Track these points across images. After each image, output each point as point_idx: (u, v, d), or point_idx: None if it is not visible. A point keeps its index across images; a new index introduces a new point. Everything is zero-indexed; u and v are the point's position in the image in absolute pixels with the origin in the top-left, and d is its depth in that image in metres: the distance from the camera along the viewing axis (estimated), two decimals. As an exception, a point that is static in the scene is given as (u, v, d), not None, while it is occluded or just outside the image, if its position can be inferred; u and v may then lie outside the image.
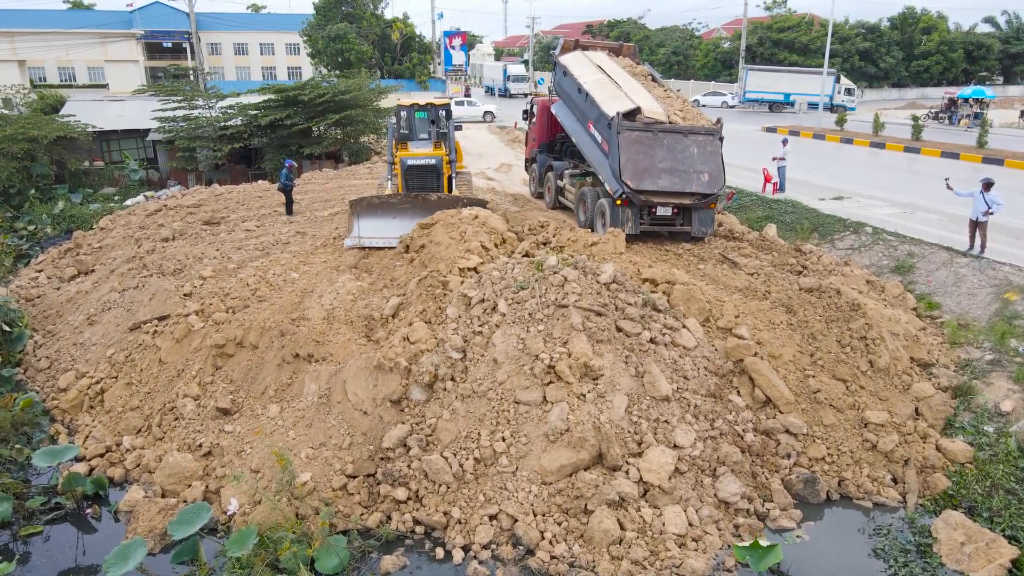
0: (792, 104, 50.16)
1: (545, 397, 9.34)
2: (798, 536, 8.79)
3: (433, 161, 16.68)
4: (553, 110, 19.69)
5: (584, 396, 9.33)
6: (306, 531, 8.38)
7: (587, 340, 9.72)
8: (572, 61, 18.70)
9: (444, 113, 18.01)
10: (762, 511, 9.06)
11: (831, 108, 49.08)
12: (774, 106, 50.79)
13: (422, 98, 18.86)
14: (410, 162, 16.61)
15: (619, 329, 10.32)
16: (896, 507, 9.34)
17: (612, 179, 15.31)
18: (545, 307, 10.18)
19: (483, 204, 15.52)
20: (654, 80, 18.51)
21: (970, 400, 10.85)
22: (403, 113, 18.06)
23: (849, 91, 50.71)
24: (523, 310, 10.24)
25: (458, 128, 18.33)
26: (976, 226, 14.72)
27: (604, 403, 9.24)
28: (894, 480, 9.71)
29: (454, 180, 17.28)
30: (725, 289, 13.09)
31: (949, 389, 11.10)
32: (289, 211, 19.75)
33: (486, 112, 46.58)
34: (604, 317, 10.16)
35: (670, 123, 15.26)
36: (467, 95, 53.07)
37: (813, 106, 48.34)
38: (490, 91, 70.67)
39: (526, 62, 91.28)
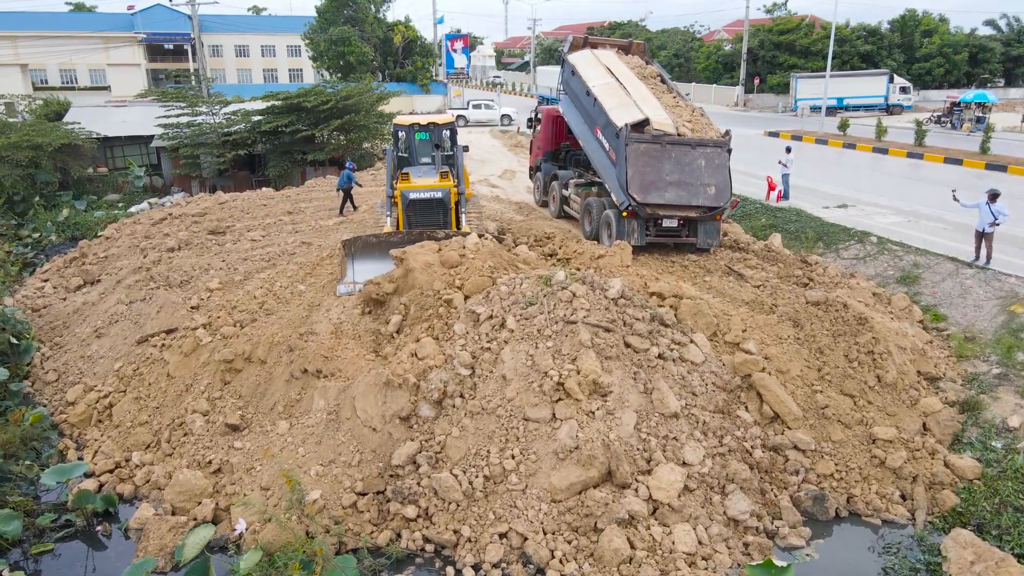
0: (847, 108, 49.02)
1: (554, 414, 9.35)
2: (808, 555, 8.80)
3: (440, 194, 14.19)
4: (561, 108, 19.66)
5: (593, 413, 9.35)
6: (316, 550, 8.40)
7: (596, 357, 9.73)
8: (581, 61, 18.47)
9: (448, 133, 15.96)
10: (771, 529, 9.07)
11: (887, 108, 48.51)
12: (827, 111, 50.06)
13: (423, 116, 16.49)
14: (412, 196, 14.17)
15: (627, 345, 10.34)
16: (905, 524, 9.36)
17: (619, 190, 15.33)
18: (554, 323, 10.19)
19: (499, 239, 13.85)
20: (663, 82, 18.32)
21: (978, 415, 10.87)
22: (401, 134, 15.97)
23: (904, 90, 50.02)
24: (532, 326, 10.25)
25: (465, 149, 16.10)
26: (982, 237, 14.76)
27: (613, 420, 9.26)
28: (903, 497, 9.71)
29: (463, 213, 14.79)
30: (732, 302, 13.11)
31: (956, 404, 11.12)
32: (342, 211, 20.47)
33: (503, 115, 46.13)
34: (612, 333, 10.18)
35: (678, 135, 15.22)
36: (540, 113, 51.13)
37: (870, 108, 47.69)
38: (547, 101, 59.99)
39: (526, 63, 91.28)
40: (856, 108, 48.43)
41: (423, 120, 15.91)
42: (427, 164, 15.55)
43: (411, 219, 14.45)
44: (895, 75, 51.41)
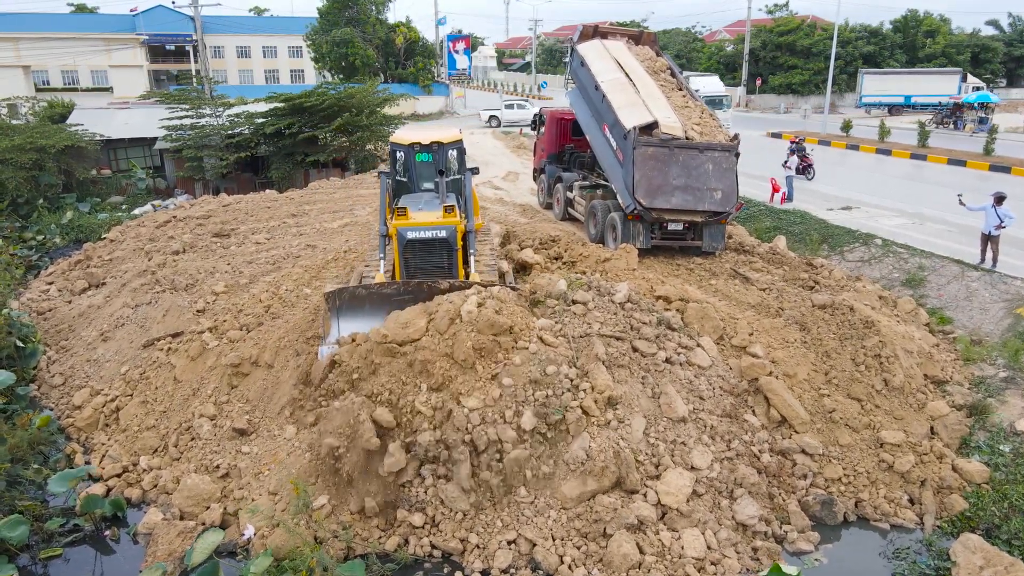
0: (914, 106, 47.67)
1: (568, 430, 9.29)
2: (816, 560, 8.81)
3: (443, 233, 11.55)
4: (568, 98, 19.50)
5: (607, 423, 9.32)
6: (323, 555, 8.39)
7: (607, 371, 9.69)
8: (590, 52, 18.15)
9: (455, 153, 13.44)
10: (779, 534, 9.08)
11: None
12: (893, 109, 48.56)
13: (425, 133, 13.59)
14: (411, 235, 11.55)
15: (635, 349, 10.35)
16: (913, 529, 9.36)
17: (625, 192, 15.32)
18: (571, 341, 10.15)
19: (513, 288, 11.40)
20: (673, 75, 18.10)
21: (985, 419, 10.86)
22: (399, 154, 13.33)
23: (977, 89, 47.44)
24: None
25: (475, 171, 13.50)
26: (988, 240, 14.75)
27: (623, 428, 9.26)
28: (911, 501, 9.73)
29: (472, 254, 12.00)
30: (738, 305, 13.11)
31: (964, 407, 11.10)
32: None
33: (535, 115, 45.92)
34: (623, 341, 10.18)
35: (687, 138, 15.17)
36: None
37: (938, 107, 46.13)
38: None
39: (528, 64, 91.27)
40: (924, 107, 46.59)
41: (425, 139, 13.23)
42: (429, 191, 13.11)
43: (409, 262, 11.86)
44: (968, 74, 49.21)
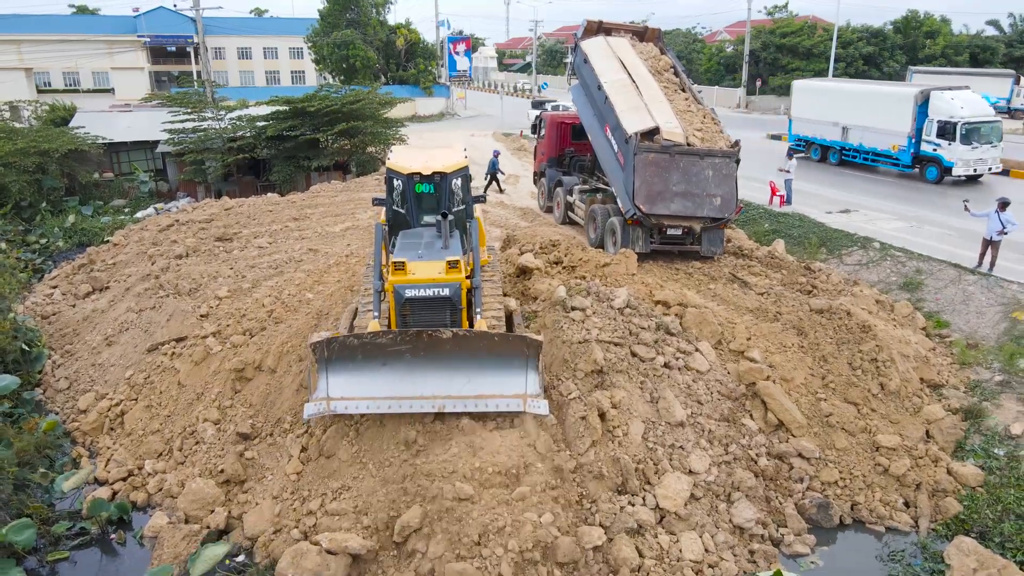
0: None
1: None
2: (812, 562, 8.94)
3: (446, 291, 9.89)
4: (571, 94, 19.57)
5: (609, 432, 9.45)
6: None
7: (607, 387, 9.87)
8: (594, 50, 18.04)
9: (460, 182, 11.54)
10: (776, 536, 9.20)
11: (1009, 112, 45.02)
12: None
13: (426, 162, 11.39)
14: (409, 293, 9.90)
15: (634, 355, 10.47)
16: (908, 531, 9.49)
17: (625, 197, 15.44)
18: (571, 344, 10.28)
19: (537, 348, 9.38)
20: (676, 75, 18.10)
21: (980, 422, 10.98)
22: (397, 183, 11.38)
23: None
24: None
25: (481, 200, 12.06)
26: (989, 244, 14.87)
27: (623, 436, 9.38)
28: (906, 504, 9.84)
29: (477, 313, 10.13)
30: (736, 310, 13.22)
31: (959, 411, 11.23)
32: (485, 190, 24.05)
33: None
34: (621, 347, 10.31)
35: (688, 144, 15.29)
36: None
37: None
38: (855, 156, 28.40)
39: (528, 65, 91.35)
40: None
41: (425, 168, 11.20)
42: (429, 227, 11.27)
43: (407, 320, 10.13)
44: (1022, 77, 47.78)
